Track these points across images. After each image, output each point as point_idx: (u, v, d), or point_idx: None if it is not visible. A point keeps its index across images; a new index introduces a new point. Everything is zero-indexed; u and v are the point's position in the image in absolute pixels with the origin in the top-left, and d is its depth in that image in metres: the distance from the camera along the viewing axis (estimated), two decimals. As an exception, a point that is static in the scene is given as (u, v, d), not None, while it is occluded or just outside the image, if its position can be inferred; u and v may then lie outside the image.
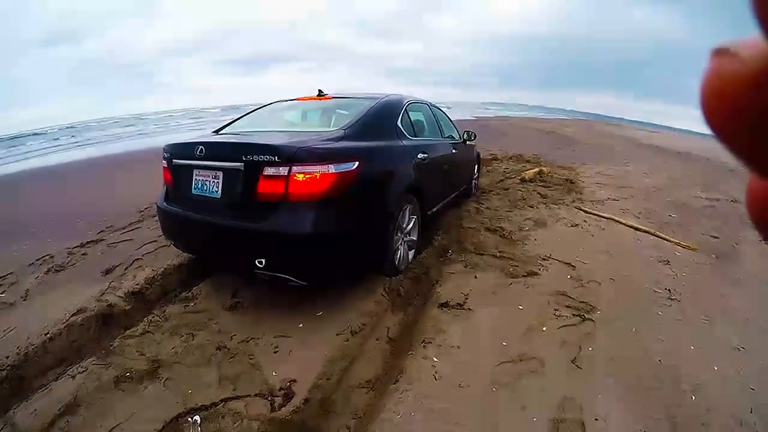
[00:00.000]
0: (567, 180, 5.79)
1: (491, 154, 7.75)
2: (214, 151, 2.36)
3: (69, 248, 3.31)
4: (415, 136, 3.21)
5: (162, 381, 2.04)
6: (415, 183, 2.91)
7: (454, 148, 4.03)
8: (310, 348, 2.23)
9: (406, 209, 2.87)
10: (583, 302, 2.51)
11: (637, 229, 3.94)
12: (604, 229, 3.90)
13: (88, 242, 3.46)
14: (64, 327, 2.33)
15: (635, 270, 3.02)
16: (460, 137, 4.31)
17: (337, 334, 2.33)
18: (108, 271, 2.92)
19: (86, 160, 9.32)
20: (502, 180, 5.90)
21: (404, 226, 2.91)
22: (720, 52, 0.16)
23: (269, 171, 2.13)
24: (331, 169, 2.16)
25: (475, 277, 2.93)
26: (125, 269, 2.96)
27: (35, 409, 1.92)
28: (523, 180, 5.61)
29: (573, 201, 4.81)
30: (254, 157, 2.15)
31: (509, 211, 4.40)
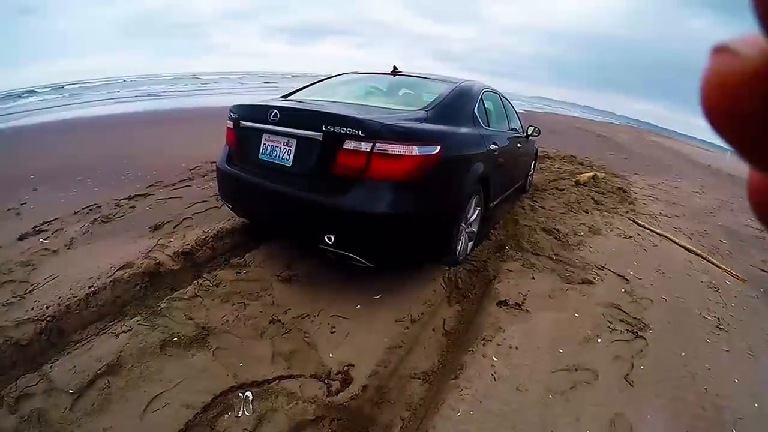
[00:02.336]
0: (620, 189, 5.42)
1: (543, 152, 7.34)
2: (291, 117, 2.11)
3: (117, 200, 3.08)
4: (488, 126, 2.97)
5: (211, 350, 1.81)
6: (485, 174, 2.67)
7: (518, 142, 3.78)
8: (368, 332, 2.00)
9: (473, 200, 2.64)
10: (636, 318, 2.33)
11: (689, 250, 3.64)
12: (656, 245, 3.60)
13: (136, 195, 3.23)
14: (110, 281, 2.10)
15: (686, 293, 2.78)
16: (523, 131, 3.99)
17: (396, 321, 2.10)
18: (156, 228, 2.68)
19: (138, 113, 9.13)
20: (555, 180, 5.56)
21: (469, 216, 2.67)
22: (720, 50, 0.15)
23: (350, 145, 1.91)
24: (415, 150, 1.95)
25: (533, 278, 2.68)
26: (174, 227, 2.72)
27: (74, 366, 1.71)
28: (577, 183, 5.25)
29: (627, 212, 4.49)
30: (336, 128, 1.92)
31: (564, 213, 4.09)
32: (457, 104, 2.58)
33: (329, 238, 1.94)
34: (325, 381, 1.70)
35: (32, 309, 1.97)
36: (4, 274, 2.20)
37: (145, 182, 3.39)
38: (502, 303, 2.35)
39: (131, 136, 5.88)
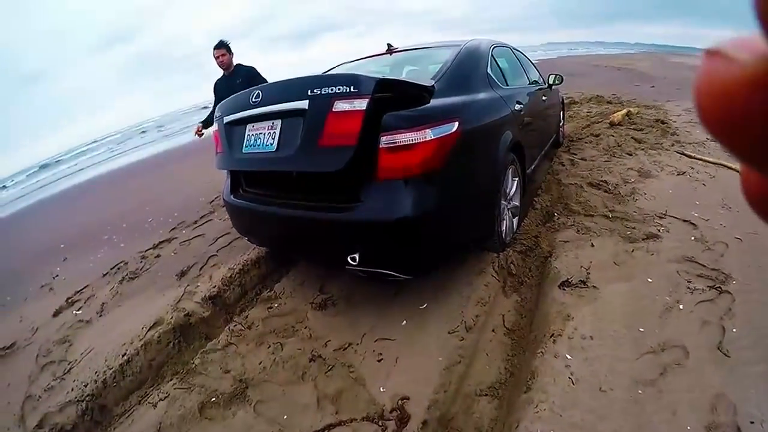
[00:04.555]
0: (658, 120, 4.78)
1: (568, 98, 6.70)
2: (274, 92, 1.77)
3: (142, 252, 3.00)
4: (507, 85, 2.55)
5: (252, 405, 1.61)
6: (516, 139, 2.28)
7: (543, 95, 3.31)
8: (419, 352, 1.71)
9: (509, 172, 2.25)
10: (715, 270, 1.93)
11: None
12: (713, 177, 3.09)
13: (160, 242, 3.13)
14: (141, 345, 1.95)
15: (759, 226, 2.26)
16: (545, 81, 3.51)
17: (449, 333, 1.78)
18: (182, 274, 2.53)
19: (152, 156, 9.33)
20: (588, 125, 4.99)
21: (507, 191, 2.29)
22: (713, 54, 0.15)
23: (342, 105, 1.56)
24: (429, 134, 1.58)
25: (592, 245, 2.28)
26: (200, 269, 2.57)
27: None
28: (611, 124, 4.69)
29: (672, 144, 3.93)
30: (324, 89, 1.60)
31: (607, 161, 3.60)
32: (467, 68, 2.18)
33: (353, 258, 1.64)
34: (380, 423, 1.44)
35: (72, 390, 1.86)
36: (44, 356, 2.13)
37: (167, 226, 3.29)
38: (565, 284, 1.98)
39: (149, 182, 5.91)
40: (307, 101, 1.58)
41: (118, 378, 1.87)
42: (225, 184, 2.24)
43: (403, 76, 2.56)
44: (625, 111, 4.97)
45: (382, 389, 1.57)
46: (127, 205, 4.39)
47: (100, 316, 2.31)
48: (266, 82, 2.80)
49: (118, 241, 3.39)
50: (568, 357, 1.54)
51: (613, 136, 4.26)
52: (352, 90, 1.49)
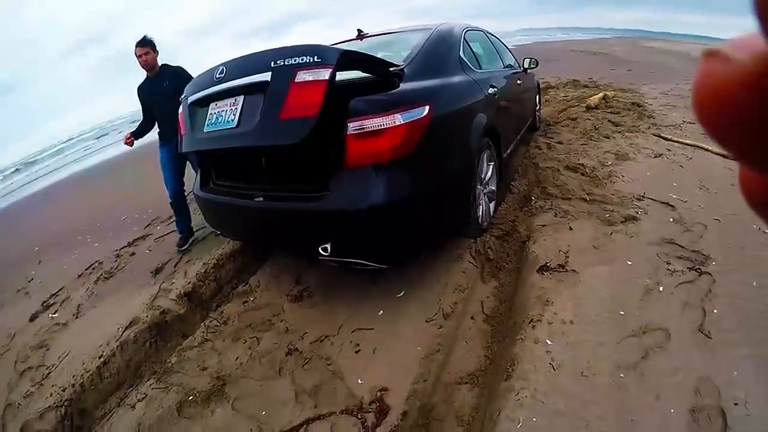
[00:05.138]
0: (634, 104, 4.76)
1: (545, 82, 6.64)
2: (237, 67, 1.67)
3: (116, 250, 2.93)
4: (480, 69, 2.48)
5: (230, 402, 1.60)
6: (490, 123, 2.23)
7: (518, 79, 3.25)
8: (396, 342, 1.70)
9: (483, 156, 2.20)
10: (694, 251, 1.91)
11: (726, 156, 2.97)
12: (690, 158, 3.07)
13: (135, 240, 3.06)
14: (117, 346, 1.92)
15: (737, 207, 2.26)
16: (519, 65, 3.44)
17: (427, 321, 1.77)
18: (157, 271, 2.49)
19: (127, 153, 9.05)
20: (565, 109, 4.96)
21: (483, 176, 2.25)
22: (711, 54, 0.15)
23: (304, 76, 1.46)
24: (398, 119, 1.52)
25: (570, 229, 2.26)
26: (175, 265, 2.52)
27: None
28: (588, 107, 4.66)
29: (648, 127, 3.92)
30: (287, 60, 1.51)
31: (584, 144, 3.58)
32: (439, 52, 2.12)
33: (324, 249, 1.60)
34: (359, 416, 1.43)
35: (51, 395, 1.83)
36: (22, 362, 2.08)
37: (142, 223, 3.21)
38: (544, 268, 1.96)
39: (124, 179, 5.72)
40: (270, 73, 1.49)
41: (96, 380, 1.84)
42: (195, 178, 2.18)
43: None
44: (601, 95, 4.92)
45: (360, 381, 1.56)
46: (102, 203, 4.28)
47: (76, 318, 2.26)
48: None
49: (92, 240, 3.31)
50: (549, 342, 1.52)
51: (589, 119, 4.23)
52: (315, 60, 1.41)
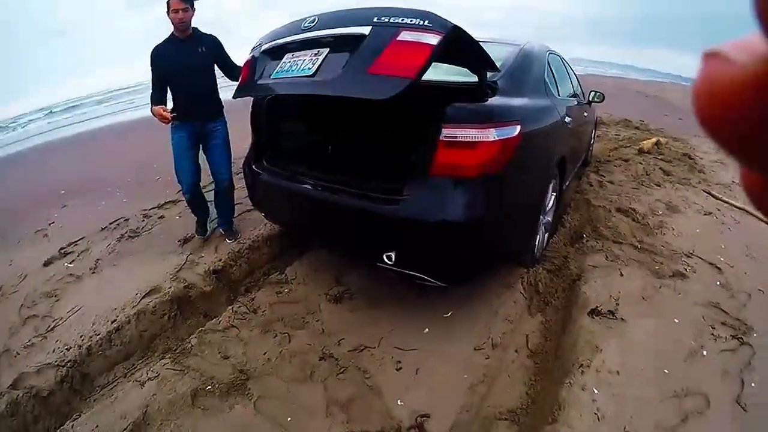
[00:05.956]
0: (685, 155, 4.58)
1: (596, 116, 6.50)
2: (335, 19, 1.47)
3: (145, 210, 2.75)
4: (558, 94, 2.33)
5: (252, 401, 1.42)
6: (563, 152, 2.12)
7: (585, 111, 3.12)
8: (441, 365, 1.54)
9: (551, 185, 2.07)
10: (738, 319, 1.83)
11: None
12: (738, 222, 2.93)
13: (165, 203, 2.86)
14: (134, 313, 1.74)
15: None
16: (584, 97, 3.29)
17: (475, 349, 1.61)
18: (186, 241, 2.30)
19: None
20: (616, 148, 4.80)
21: (547, 205, 2.10)
22: (712, 56, 0.14)
23: (408, 35, 1.27)
24: (492, 135, 1.39)
25: (621, 275, 2.11)
26: (205, 238, 2.31)
27: (97, 426, 1.36)
28: (641, 151, 4.48)
29: (699, 182, 3.77)
30: (394, 18, 1.32)
31: (635, 188, 3.43)
32: (528, 70, 1.96)
33: (389, 257, 1.44)
34: (397, 440, 1.24)
35: (53, 351, 1.65)
36: (28, 308, 1.91)
37: (175, 186, 3.00)
38: (594, 312, 1.81)
39: (161, 140, 5.49)
40: (370, 27, 1.32)
41: (105, 346, 1.66)
42: (248, 150, 2.00)
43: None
44: (654, 140, 4.75)
45: (399, 402, 1.40)
46: (137, 159, 4.06)
47: (93, 273, 2.08)
48: (232, 61, 2.19)
49: (121, 195, 3.13)
50: (595, 391, 1.41)
51: (641, 163, 4.07)
52: (425, 24, 1.24)
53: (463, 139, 1.36)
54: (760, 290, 2.06)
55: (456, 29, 1.25)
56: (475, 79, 1.48)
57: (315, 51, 1.45)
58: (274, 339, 1.62)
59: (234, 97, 1.74)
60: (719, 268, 2.23)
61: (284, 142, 1.84)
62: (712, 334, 1.72)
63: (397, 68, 1.22)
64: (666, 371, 1.53)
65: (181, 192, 2.26)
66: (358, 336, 1.63)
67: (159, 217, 2.60)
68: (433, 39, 1.20)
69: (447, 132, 1.34)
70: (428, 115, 1.37)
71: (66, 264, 2.17)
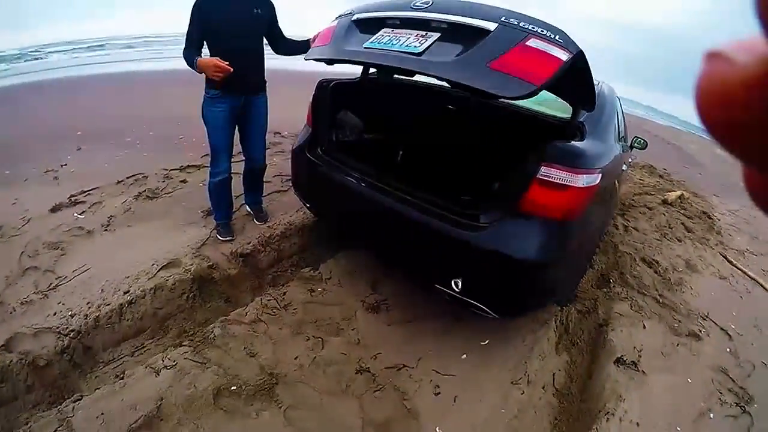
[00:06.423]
0: (705, 213, 4.64)
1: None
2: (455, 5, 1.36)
3: (166, 170, 2.52)
4: (620, 141, 2.26)
5: (283, 409, 1.29)
6: (617, 197, 2.06)
7: (630, 156, 3.09)
8: (480, 396, 1.47)
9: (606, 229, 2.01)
10: (742, 388, 1.90)
11: None
12: (749, 292, 2.98)
13: (189, 166, 2.62)
14: (150, 288, 1.55)
15: None
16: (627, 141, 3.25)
17: (512, 383, 1.54)
18: (209, 213, 2.09)
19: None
20: (641, 194, 4.82)
21: None
22: (713, 56, 0.14)
23: (536, 43, 1.20)
24: (582, 180, 1.35)
25: (644, 327, 2.14)
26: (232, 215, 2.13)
27: (101, 413, 1.20)
28: (665, 202, 4.52)
29: (716, 244, 3.84)
30: (524, 24, 1.24)
31: (659, 240, 3.47)
32: (604, 113, 1.86)
33: (456, 284, 1.33)
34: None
35: (55, 314, 1.47)
36: (29, 257, 1.71)
37: (198, 151, 2.77)
38: (619, 361, 1.83)
39: (191, 92, 5.08)
40: (496, 25, 1.24)
41: (114, 319, 1.48)
42: (301, 133, 1.83)
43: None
44: (679, 193, 4.81)
45: (438, 430, 1.31)
46: (163, 113, 3.77)
47: (105, 230, 1.88)
48: (282, 33, 1.95)
49: (141, 148, 2.89)
50: None
51: (664, 214, 4.10)
52: (556, 38, 1.18)
53: (556, 180, 1.29)
54: (764, 363, 2.10)
55: (583, 54, 1.17)
56: (561, 113, 1.40)
57: (422, 33, 1.34)
58: (306, 342, 1.47)
59: (308, 57, 1.57)
60: (729, 335, 2.28)
61: (346, 134, 1.69)
62: (719, 399, 1.76)
63: (522, 72, 1.14)
64: (678, 429, 1.57)
65: (205, 156, 2.02)
66: (395, 353, 1.50)
67: (181, 181, 2.38)
68: (563, 55, 1.13)
69: (545, 170, 1.27)
70: (526, 146, 1.28)
71: (75, 214, 1.95)
